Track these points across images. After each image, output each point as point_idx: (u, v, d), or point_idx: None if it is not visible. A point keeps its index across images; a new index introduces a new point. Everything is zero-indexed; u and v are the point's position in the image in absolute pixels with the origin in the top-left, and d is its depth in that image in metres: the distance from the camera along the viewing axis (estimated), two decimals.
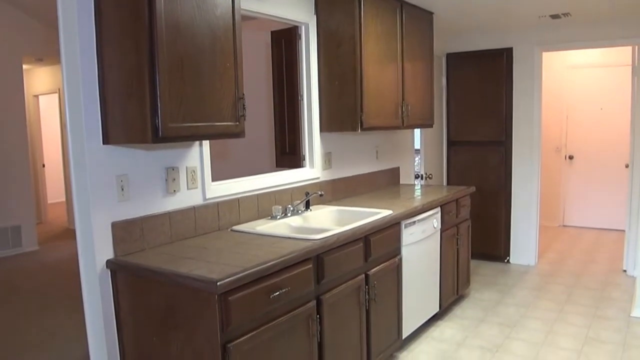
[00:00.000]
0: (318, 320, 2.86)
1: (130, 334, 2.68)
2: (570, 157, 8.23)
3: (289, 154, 4.26)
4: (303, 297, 2.75)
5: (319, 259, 2.87)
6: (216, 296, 2.24)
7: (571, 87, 8.10)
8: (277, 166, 4.31)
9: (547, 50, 5.94)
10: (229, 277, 2.26)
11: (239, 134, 2.86)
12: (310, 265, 2.77)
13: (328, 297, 2.93)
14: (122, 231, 2.72)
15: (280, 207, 3.55)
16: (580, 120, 8.12)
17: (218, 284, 2.20)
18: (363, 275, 3.27)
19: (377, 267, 3.41)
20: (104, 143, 2.65)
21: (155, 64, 2.39)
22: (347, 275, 3.13)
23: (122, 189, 2.76)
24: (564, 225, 8.33)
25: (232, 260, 2.52)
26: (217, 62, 2.70)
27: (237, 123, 2.82)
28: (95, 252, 2.64)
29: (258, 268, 2.40)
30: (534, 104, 5.96)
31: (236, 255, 2.62)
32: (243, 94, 2.85)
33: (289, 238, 2.95)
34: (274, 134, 4.36)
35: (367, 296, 3.29)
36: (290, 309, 2.66)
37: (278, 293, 2.52)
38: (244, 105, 2.85)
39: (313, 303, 2.81)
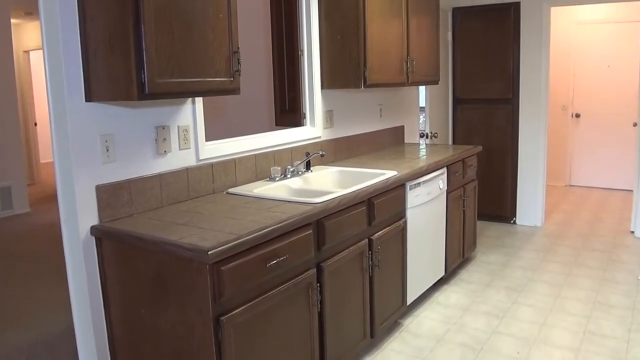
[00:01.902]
0: (318, 289, 2.69)
1: (118, 306, 2.51)
2: (577, 116, 7.98)
3: (289, 112, 4.04)
4: (302, 265, 2.57)
5: (320, 224, 2.68)
6: (207, 266, 2.05)
7: (579, 43, 7.79)
8: (276, 125, 4.10)
9: (555, 5, 5.64)
10: (222, 245, 2.07)
11: (234, 90, 2.63)
12: (310, 231, 2.58)
13: (329, 264, 2.75)
14: (108, 195, 2.52)
15: (279, 168, 3.34)
16: (587, 78, 7.83)
17: (209, 253, 2.01)
18: (366, 240, 3.08)
19: (381, 232, 3.22)
20: (86, 100, 2.43)
21: (139, 14, 2.16)
22: (350, 241, 2.95)
23: (107, 150, 2.55)
24: (570, 185, 8.13)
25: (226, 226, 2.33)
26: (210, 12, 2.46)
27: (232, 79, 2.60)
28: (78, 218, 2.44)
29: (253, 235, 2.21)
30: (542, 60, 5.69)
31: (231, 220, 2.42)
32: (238, 48, 2.61)
33: (288, 202, 2.75)
34: (273, 91, 4.13)
35: (370, 262, 3.11)
36: (289, 277, 2.48)
37: (275, 261, 2.34)
38: (239, 59, 2.62)
39: (313, 271, 2.63)
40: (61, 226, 2.52)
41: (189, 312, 2.17)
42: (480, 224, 6.01)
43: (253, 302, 2.26)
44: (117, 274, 2.47)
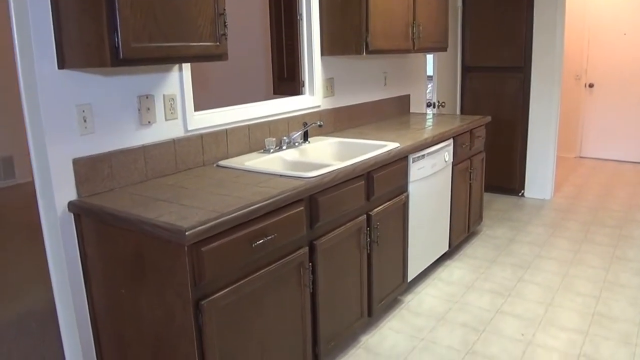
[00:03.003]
0: (311, 268, 2.51)
1: (99, 286, 2.34)
2: (591, 86, 7.68)
3: (287, 80, 3.82)
4: (293, 244, 2.39)
5: (313, 200, 2.48)
6: (185, 247, 1.87)
7: (594, 10, 7.44)
8: (274, 93, 3.88)
9: None
10: (202, 224, 1.89)
11: (220, 56, 2.42)
12: (302, 208, 2.39)
13: (323, 242, 2.56)
14: (86, 169, 2.33)
15: (273, 139, 3.14)
16: (602, 47, 7.50)
17: (187, 233, 1.83)
18: (364, 216, 2.89)
19: (381, 207, 3.03)
20: (59, 67, 2.22)
21: None
22: (346, 217, 2.76)
23: (85, 121, 2.35)
24: (581, 157, 7.88)
25: (209, 203, 2.14)
26: None
27: (218, 43, 2.38)
28: (54, 193, 2.26)
29: (237, 214, 2.02)
30: (557, 27, 5.38)
31: (216, 196, 2.24)
32: (224, 9, 2.39)
33: (280, 176, 2.56)
34: (271, 58, 3.91)
35: (368, 239, 2.93)
36: (278, 257, 2.30)
37: (262, 241, 2.15)
38: (225, 22, 2.40)
39: (305, 250, 2.45)
40: (38, 202, 2.35)
41: (168, 296, 2.00)
42: (487, 196, 5.80)
43: (237, 284, 2.08)
44: (97, 252, 2.30)
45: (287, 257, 2.34)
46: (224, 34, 2.40)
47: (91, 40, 2.05)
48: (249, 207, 2.08)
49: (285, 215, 2.28)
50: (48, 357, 3.01)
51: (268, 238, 2.18)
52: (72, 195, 2.31)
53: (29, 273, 4.17)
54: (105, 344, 2.41)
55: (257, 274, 2.17)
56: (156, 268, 2.02)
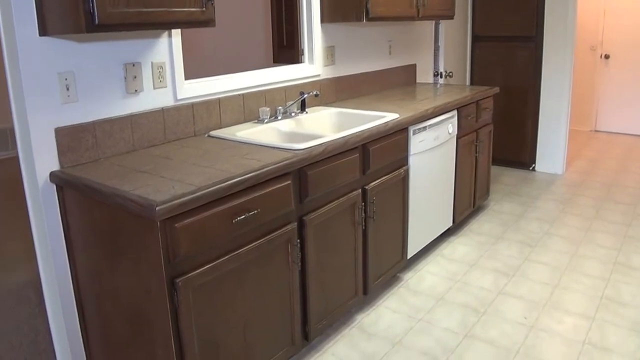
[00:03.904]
0: (299, 245, 2.39)
1: (82, 257, 2.25)
2: (606, 57, 7.40)
3: (287, 47, 3.68)
4: (280, 219, 2.27)
5: (302, 173, 2.36)
6: (158, 223, 1.77)
7: None
8: (274, 62, 3.74)
9: None
10: (175, 199, 1.78)
11: (206, 22, 2.28)
12: (289, 182, 2.26)
13: (313, 217, 2.44)
14: (69, 138, 2.23)
15: (268, 109, 3.01)
16: (619, 15, 7.18)
17: (157, 208, 1.72)
18: (359, 191, 2.76)
19: (378, 181, 2.90)
20: (40, 34, 2.10)
21: None
22: (339, 191, 2.63)
23: (67, 89, 2.24)
24: (596, 130, 7.64)
25: (189, 175, 2.03)
26: None
27: (204, 9, 2.24)
28: (35, 164, 2.16)
29: (215, 188, 1.91)
30: None
31: (199, 168, 2.12)
32: None
33: (269, 147, 2.43)
34: (271, 25, 3.76)
35: (363, 214, 2.80)
36: (263, 233, 2.19)
37: (244, 217, 2.04)
38: None
39: (293, 225, 2.33)
40: (21, 173, 2.26)
41: (144, 272, 1.90)
42: (496, 170, 5.63)
43: (217, 262, 1.98)
44: (78, 224, 2.21)
45: (274, 234, 2.22)
46: None
47: (67, 5, 1.93)
48: (228, 181, 1.96)
49: (270, 189, 2.16)
50: (41, 327, 2.98)
51: (251, 213, 2.07)
52: (54, 166, 2.21)
53: (31, 244, 4.11)
54: (88, 316, 2.34)
55: (240, 251, 2.07)
56: (131, 243, 1.92)
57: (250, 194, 2.07)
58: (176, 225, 1.81)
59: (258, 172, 2.08)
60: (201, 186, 1.89)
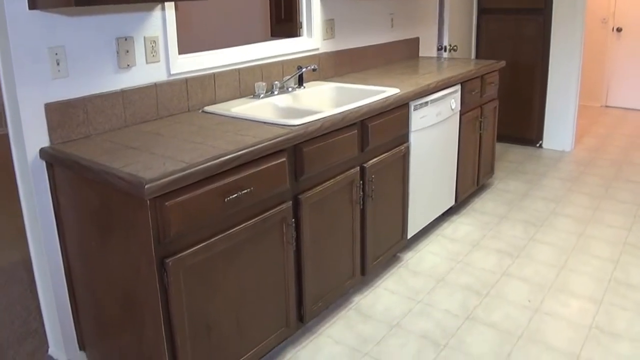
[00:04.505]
0: (294, 224, 2.40)
1: (72, 236, 2.27)
2: (619, 30, 7.33)
3: (285, 21, 3.65)
4: (274, 198, 2.27)
5: (298, 150, 2.35)
6: (147, 201, 1.77)
7: None
8: (272, 35, 3.72)
9: None
10: (165, 177, 1.78)
11: None
12: (284, 159, 2.26)
13: (309, 196, 2.44)
14: (60, 114, 2.23)
15: (264, 84, 2.99)
16: None
17: (146, 186, 1.73)
18: (358, 168, 2.76)
19: (377, 158, 2.89)
20: (30, 8, 2.09)
21: None
22: (336, 169, 2.63)
23: (58, 64, 2.23)
24: (607, 106, 7.60)
25: (181, 152, 2.03)
26: None
27: None
28: (24, 140, 2.17)
29: (206, 165, 1.91)
30: None
31: (190, 145, 2.12)
32: None
33: (264, 123, 2.43)
34: None
35: (361, 193, 2.81)
36: (257, 212, 2.19)
37: (236, 195, 2.04)
38: None
39: (288, 204, 2.34)
40: (11, 149, 2.27)
41: (134, 252, 1.91)
42: (501, 147, 5.60)
43: (209, 241, 1.99)
44: (69, 202, 2.22)
45: (267, 213, 2.23)
46: None
47: None
48: (220, 157, 1.96)
49: (264, 166, 2.16)
50: (32, 306, 3.00)
51: (244, 192, 2.07)
52: (45, 142, 2.22)
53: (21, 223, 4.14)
54: (79, 296, 2.36)
55: (232, 230, 2.07)
56: (121, 221, 1.93)
57: (243, 172, 2.07)
58: (166, 203, 1.81)
59: (251, 148, 2.07)
60: (192, 163, 1.89)
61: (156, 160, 1.94)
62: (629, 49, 7.31)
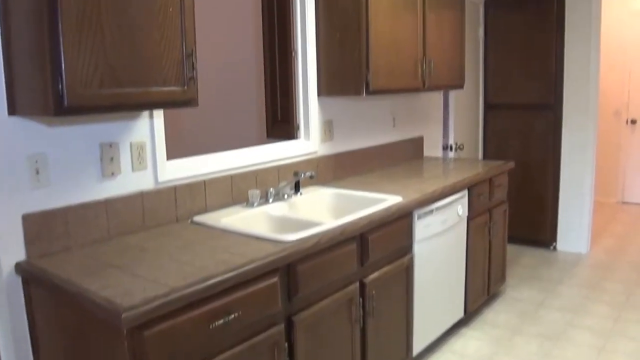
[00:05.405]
0: (288, 348, 2.32)
1: (47, 358, 2.20)
2: (633, 122, 7.45)
3: (281, 122, 3.70)
4: (264, 320, 2.20)
5: (292, 269, 2.31)
6: (124, 331, 1.72)
7: (635, 37, 7.25)
8: (268, 137, 3.76)
9: None
10: (145, 304, 1.74)
11: (188, 102, 2.29)
12: (276, 279, 2.22)
13: (303, 317, 2.38)
14: (38, 226, 2.21)
15: (258, 191, 2.99)
16: None
17: (124, 315, 1.67)
18: (357, 284, 2.70)
19: (378, 272, 2.85)
20: (9, 114, 2.12)
21: (56, 8, 1.83)
22: (334, 286, 2.57)
23: (38, 172, 2.24)
24: (624, 202, 7.60)
25: (165, 273, 1.99)
26: (155, 6, 2.12)
27: (185, 88, 2.26)
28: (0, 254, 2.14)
29: (190, 290, 1.86)
30: (591, 58, 5.19)
31: (175, 265, 2.09)
32: (193, 49, 2.27)
33: (256, 238, 2.40)
34: (264, 98, 3.79)
35: (361, 311, 2.74)
36: (245, 337, 2.12)
37: (222, 321, 1.99)
38: (194, 64, 2.28)
39: (280, 327, 2.27)
40: None
41: None
42: (513, 250, 5.53)
43: None
44: (45, 321, 2.17)
45: (257, 337, 2.15)
46: (193, 77, 2.28)
47: (36, 85, 1.95)
48: (207, 281, 1.92)
49: (254, 288, 2.11)
50: None
51: (230, 317, 2.01)
52: (21, 256, 2.19)
53: None
54: None
55: (217, 358, 2.00)
56: (97, 347, 1.88)
57: (231, 295, 2.02)
58: (145, 333, 1.75)
59: (241, 270, 2.03)
60: (176, 287, 1.84)
61: (137, 283, 1.90)
62: None
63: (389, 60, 3.46)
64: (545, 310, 4.18)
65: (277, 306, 2.24)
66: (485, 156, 5.88)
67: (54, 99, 1.87)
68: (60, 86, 1.86)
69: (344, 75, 3.38)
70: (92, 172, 2.42)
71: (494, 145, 5.81)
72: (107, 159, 2.47)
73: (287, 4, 3.45)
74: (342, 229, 2.55)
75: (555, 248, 5.62)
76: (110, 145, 2.48)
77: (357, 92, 3.33)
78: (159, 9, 2.14)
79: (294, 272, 2.31)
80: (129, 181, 2.57)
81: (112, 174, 2.50)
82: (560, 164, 5.50)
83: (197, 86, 2.32)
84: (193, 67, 2.27)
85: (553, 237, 5.62)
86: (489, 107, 5.81)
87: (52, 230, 2.26)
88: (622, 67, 7.35)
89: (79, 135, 2.36)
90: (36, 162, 2.23)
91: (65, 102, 1.87)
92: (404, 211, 2.99)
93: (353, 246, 2.65)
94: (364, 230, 2.70)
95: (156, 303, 1.76)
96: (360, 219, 2.69)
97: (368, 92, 3.32)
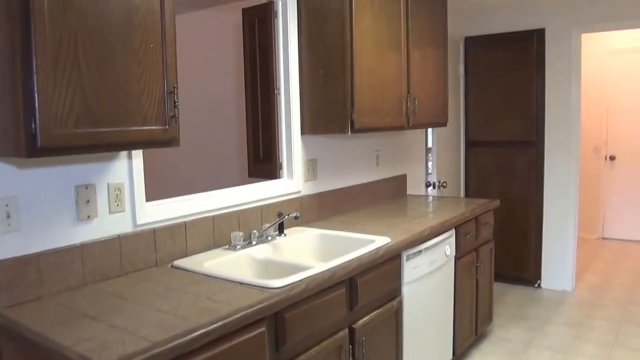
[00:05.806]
0: None
1: None
2: (612, 158, 7.49)
3: (263, 161, 3.61)
4: None
5: (279, 317, 2.18)
6: None
7: (613, 75, 7.34)
8: (250, 176, 3.66)
9: (586, 31, 5.19)
10: None
11: (169, 142, 2.19)
12: (264, 329, 2.09)
13: None
14: (9, 274, 2.07)
15: (241, 234, 2.87)
16: (623, 115, 7.35)
17: None
18: (346, 330, 2.58)
19: (367, 317, 2.73)
20: None
21: (30, 43, 1.73)
22: (323, 333, 2.44)
23: (8, 216, 2.10)
24: (604, 238, 7.59)
25: (144, 325, 1.85)
26: (135, 42, 2.03)
27: (166, 127, 2.15)
28: None
29: (171, 345, 1.72)
30: (572, 96, 5.22)
31: (155, 314, 1.95)
32: (175, 87, 2.17)
33: (240, 283, 2.27)
34: (246, 136, 3.70)
35: (351, 358, 2.61)
36: None
37: None
38: (175, 102, 2.18)
39: None
40: None
41: None
42: (498, 288, 5.43)
43: None
44: None
45: None
46: (175, 116, 2.18)
47: (6, 124, 1.84)
48: (189, 334, 1.78)
49: (240, 339, 1.98)
50: None
51: None
52: None
53: None
54: None
55: None
56: None
57: (215, 348, 1.88)
58: None
59: (226, 320, 1.90)
60: (156, 342, 1.71)
61: (115, 335, 1.76)
62: (623, 178, 7.41)
63: (374, 98, 3.39)
64: (534, 350, 4.08)
65: (264, 358, 2.10)
66: (467, 193, 5.83)
67: (26, 139, 1.76)
68: (33, 126, 1.75)
69: (328, 114, 3.30)
70: (67, 215, 2.29)
71: (477, 181, 5.76)
72: (83, 202, 2.34)
73: (270, 40, 3.39)
74: (332, 272, 2.43)
75: (539, 286, 5.54)
76: (87, 187, 2.36)
77: (342, 131, 3.25)
78: (139, 44, 2.05)
79: (282, 320, 2.18)
80: (106, 224, 2.44)
81: (88, 217, 2.37)
82: (543, 201, 5.47)
83: (179, 125, 2.22)
84: (175, 105, 2.17)
85: (537, 275, 5.55)
86: (471, 144, 5.78)
87: (23, 278, 2.12)
88: (600, 104, 7.41)
89: (53, 177, 2.24)
90: (7, 205, 2.10)
91: (39, 143, 1.76)
92: (393, 252, 2.88)
93: (342, 290, 2.53)
94: (353, 274, 2.58)
95: None
96: (350, 261, 2.58)
97: (353, 131, 3.24)
